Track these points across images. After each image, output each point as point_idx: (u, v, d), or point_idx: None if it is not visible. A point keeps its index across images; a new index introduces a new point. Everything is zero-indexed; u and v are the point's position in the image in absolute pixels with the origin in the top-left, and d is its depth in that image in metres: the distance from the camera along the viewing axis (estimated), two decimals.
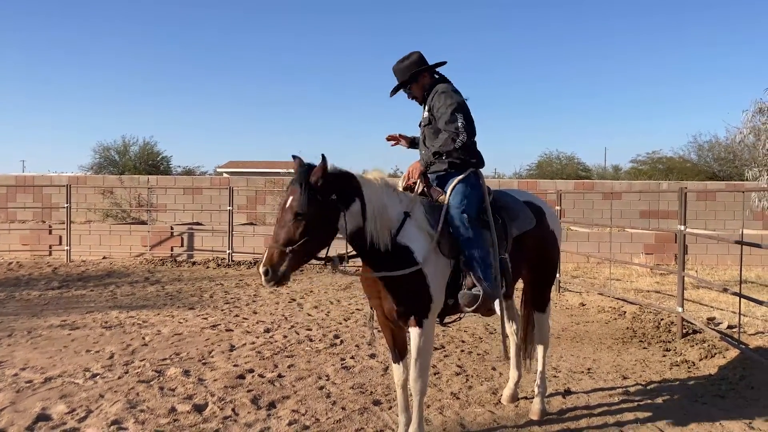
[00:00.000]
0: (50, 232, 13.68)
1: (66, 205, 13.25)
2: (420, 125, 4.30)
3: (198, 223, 15.55)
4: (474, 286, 3.79)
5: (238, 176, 24.93)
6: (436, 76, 4.22)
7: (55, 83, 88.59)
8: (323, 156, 3.36)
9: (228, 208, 13.46)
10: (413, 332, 3.68)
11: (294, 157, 3.50)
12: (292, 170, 3.48)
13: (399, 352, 3.94)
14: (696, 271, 11.57)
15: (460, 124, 3.89)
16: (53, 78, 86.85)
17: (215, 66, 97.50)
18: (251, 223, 15.94)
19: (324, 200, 3.33)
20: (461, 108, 3.96)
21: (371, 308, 4.08)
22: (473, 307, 3.82)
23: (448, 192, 3.95)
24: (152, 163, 29.88)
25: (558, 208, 10.16)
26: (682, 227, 7.02)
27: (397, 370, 3.94)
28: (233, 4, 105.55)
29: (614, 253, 12.39)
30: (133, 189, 17.55)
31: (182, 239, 13.43)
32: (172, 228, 13.78)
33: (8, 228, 14.19)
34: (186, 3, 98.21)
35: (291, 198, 3.32)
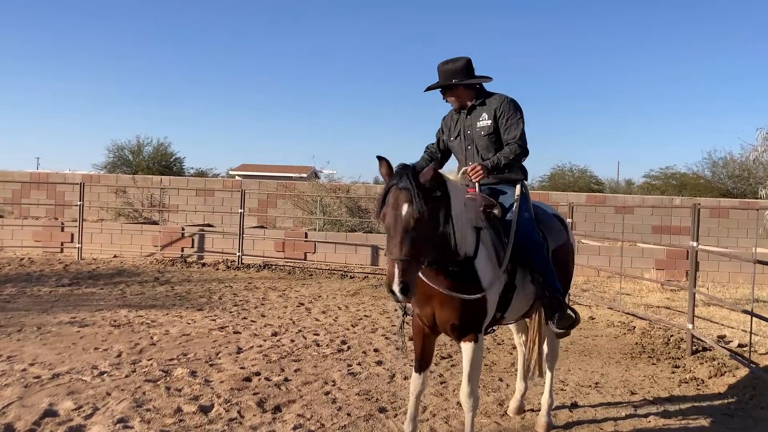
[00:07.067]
0: (62, 230, 13.79)
1: (79, 203, 13.34)
2: (453, 131, 4.21)
3: (209, 225, 15.62)
4: (559, 308, 3.78)
5: (250, 179, 24.99)
6: (477, 86, 4.14)
7: (71, 81, 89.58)
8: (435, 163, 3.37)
9: (239, 210, 13.50)
10: (467, 347, 3.60)
11: (380, 158, 3.28)
12: (383, 173, 3.28)
13: (424, 362, 3.87)
14: (707, 288, 11.47)
15: (526, 143, 4.00)
16: (69, 76, 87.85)
17: (231, 69, 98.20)
18: (262, 226, 15.99)
19: (434, 200, 3.19)
20: (524, 125, 4.04)
21: (404, 315, 3.92)
22: (566, 329, 3.84)
23: (515, 210, 3.89)
24: (165, 164, 29.98)
25: (570, 220, 10.12)
26: (695, 243, 6.97)
27: (416, 379, 3.86)
28: (250, 7, 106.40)
29: (625, 267, 12.29)
30: (146, 189, 17.66)
31: (193, 240, 13.49)
32: (183, 229, 13.84)
33: (21, 224, 14.31)
34: (202, 5, 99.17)
35: (405, 205, 3.07)
